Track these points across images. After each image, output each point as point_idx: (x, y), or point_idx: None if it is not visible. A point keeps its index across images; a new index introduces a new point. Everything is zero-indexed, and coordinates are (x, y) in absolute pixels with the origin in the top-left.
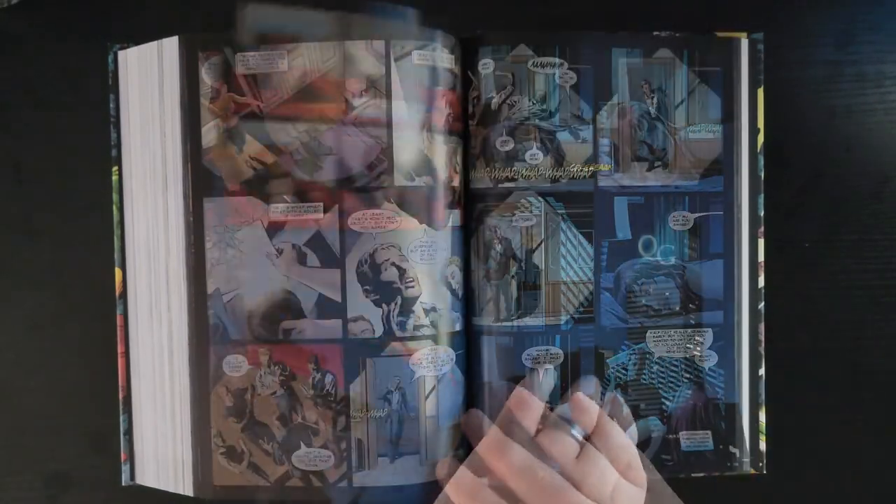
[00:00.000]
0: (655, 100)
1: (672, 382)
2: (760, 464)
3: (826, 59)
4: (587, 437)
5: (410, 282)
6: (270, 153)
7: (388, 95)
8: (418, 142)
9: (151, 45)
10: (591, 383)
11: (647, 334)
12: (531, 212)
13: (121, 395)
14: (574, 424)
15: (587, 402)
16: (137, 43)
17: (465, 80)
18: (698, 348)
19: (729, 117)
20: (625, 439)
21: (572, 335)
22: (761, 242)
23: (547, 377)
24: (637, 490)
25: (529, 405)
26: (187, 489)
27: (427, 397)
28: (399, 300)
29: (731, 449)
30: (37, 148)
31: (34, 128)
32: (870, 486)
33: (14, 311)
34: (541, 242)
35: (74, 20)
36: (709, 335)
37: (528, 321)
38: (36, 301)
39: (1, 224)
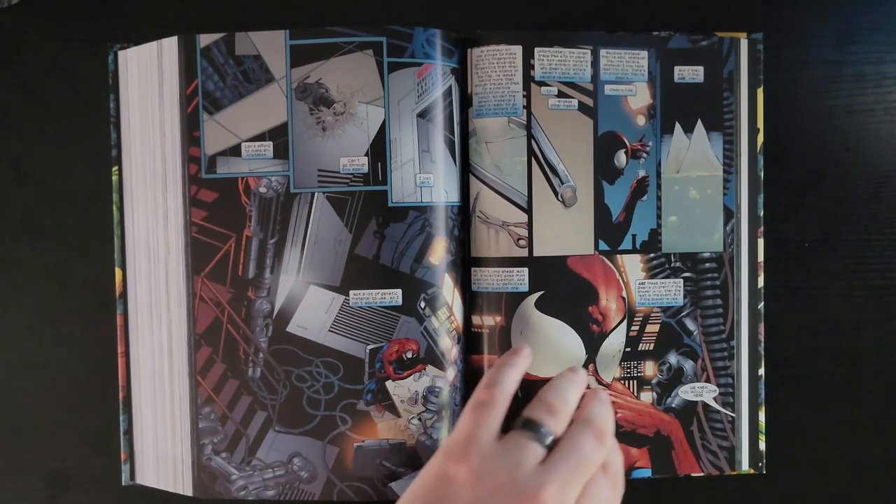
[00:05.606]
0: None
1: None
2: (760, 463)
3: (826, 59)
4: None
5: None
6: None
7: None
8: None
9: (151, 45)
10: (578, 376)
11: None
12: None
13: (121, 395)
14: (541, 427)
15: (560, 404)
16: (137, 43)
17: (465, 79)
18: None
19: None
20: (593, 450)
21: None
22: (761, 242)
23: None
24: (611, 491)
25: (493, 401)
26: (187, 489)
27: None
28: None
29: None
30: (37, 148)
31: (34, 128)
32: (869, 485)
33: (14, 310)
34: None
35: (74, 20)
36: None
37: None
38: (36, 301)
39: (1, 224)
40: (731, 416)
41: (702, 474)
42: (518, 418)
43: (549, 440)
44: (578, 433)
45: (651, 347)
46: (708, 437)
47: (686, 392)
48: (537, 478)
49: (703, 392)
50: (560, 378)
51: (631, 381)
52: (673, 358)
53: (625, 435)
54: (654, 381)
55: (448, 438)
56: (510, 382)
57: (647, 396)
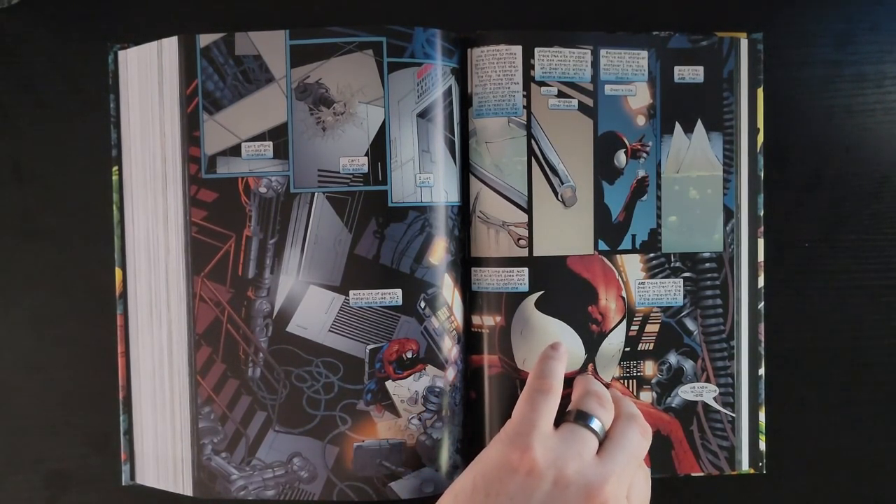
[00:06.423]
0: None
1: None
2: (760, 463)
3: (826, 59)
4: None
5: None
6: None
7: None
8: None
9: (151, 45)
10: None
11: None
12: None
13: (121, 395)
14: (594, 419)
15: (606, 397)
16: (137, 43)
17: (465, 79)
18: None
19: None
20: (639, 445)
21: None
22: (761, 242)
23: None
24: (646, 484)
25: (549, 390)
26: (187, 489)
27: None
28: None
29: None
30: (37, 148)
31: (34, 128)
32: (869, 485)
33: (14, 310)
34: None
35: (74, 20)
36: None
37: None
38: (36, 301)
39: (1, 224)
40: (732, 416)
41: (702, 474)
42: (569, 410)
43: (602, 432)
44: (628, 427)
45: (651, 347)
46: (708, 436)
47: (686, 392)
48: (601, 470)
49: (703, 392)
50: (587, 376)
51: (630, 381)
52: (673, 358)
53: None
54: (653, 381)
55: (507, 426)
56: (560, 373)
57: (647, 396)
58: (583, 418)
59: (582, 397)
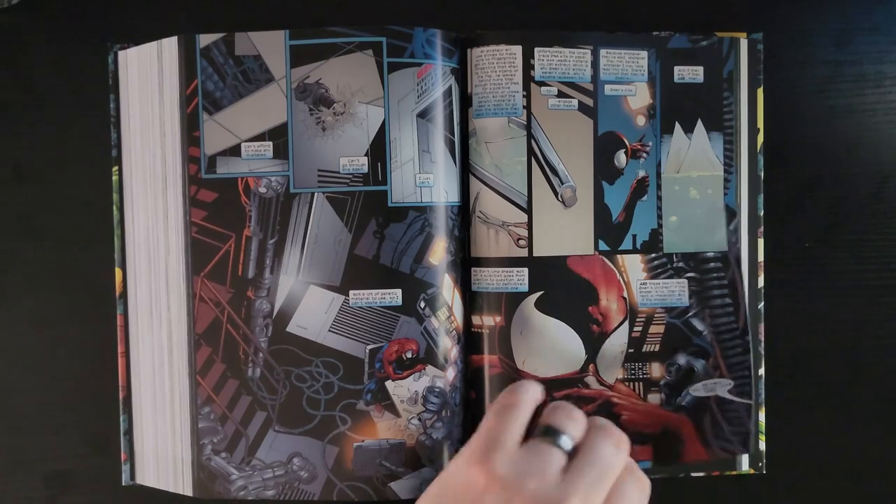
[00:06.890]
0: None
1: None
2: (760, 464)
3: (826, 59)
4: (576, 448)
5: None
6: None
7: None
8: None
9: (151, 45)
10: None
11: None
12: None
13: (121, 395)
14: (562, 434)
15: (577, 411)
16: (137, 43)
17: (465, 79)
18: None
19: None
20: (613, 457)
21: None
22: (761, 242)
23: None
24: (640, 493)
25: (518, 404)
26: (187, 489)
27: None
28: None
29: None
30: (37, 148)
31: (34, 128)
32: (869, 486)
33: (14, 311)
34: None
35: (74, 20)
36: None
37: None
38: (36, 301)
39: (1, 224)
40: (748, 403)
41: (702, 474)
42: (538, 425)
43: (570, 447)
44: (599, 440)
45: (656, 348)
46: (721, 425)
47: (697, 390)
48: (563, 488)
49: (717, 387)
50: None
51: (637, 383)
52: (682, 359)
53: (630, 435)
54: (661, 383)
55: (471, 441)
56: (531, 392)
57: (655, 398)
58: (550, 434)
59: (550, 412)
